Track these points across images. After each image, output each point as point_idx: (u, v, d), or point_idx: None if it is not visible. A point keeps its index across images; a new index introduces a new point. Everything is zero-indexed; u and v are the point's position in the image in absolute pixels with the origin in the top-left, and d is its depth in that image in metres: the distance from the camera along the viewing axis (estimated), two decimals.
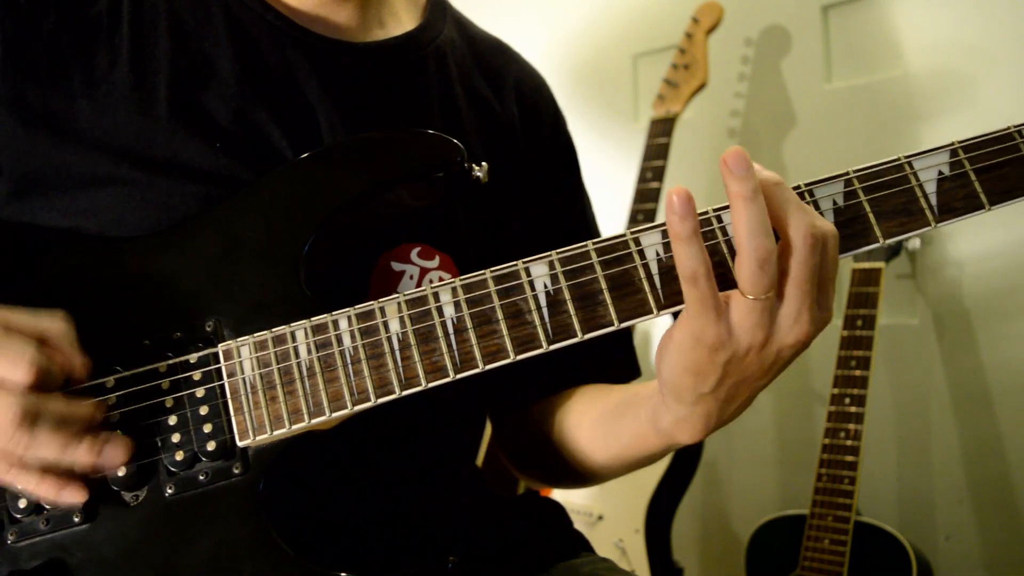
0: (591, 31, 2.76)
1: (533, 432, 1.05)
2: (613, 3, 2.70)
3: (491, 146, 1.00)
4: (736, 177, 0.65)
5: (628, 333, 1.11)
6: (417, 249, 0.90)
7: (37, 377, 0.67)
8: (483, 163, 0.84)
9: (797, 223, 0.67)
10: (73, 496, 0.70)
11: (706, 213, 0.72)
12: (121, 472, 0.72)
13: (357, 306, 0.74)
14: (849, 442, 1.85)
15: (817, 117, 2.30)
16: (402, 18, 1.01)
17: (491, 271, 0.73)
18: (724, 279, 0.71)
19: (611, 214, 2.50)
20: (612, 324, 0.72)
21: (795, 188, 0.73)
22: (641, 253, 0.72)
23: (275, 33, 0.89)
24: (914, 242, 2.02)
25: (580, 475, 1.01)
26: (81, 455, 0.69)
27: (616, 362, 1.08)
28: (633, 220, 2.18)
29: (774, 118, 2.37)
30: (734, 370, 0.71)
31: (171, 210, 0.81)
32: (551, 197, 1.08)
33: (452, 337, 0.72)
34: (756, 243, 0.65)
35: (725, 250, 0.72)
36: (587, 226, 1.13)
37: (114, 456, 0.70)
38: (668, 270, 0.72)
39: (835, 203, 0.73)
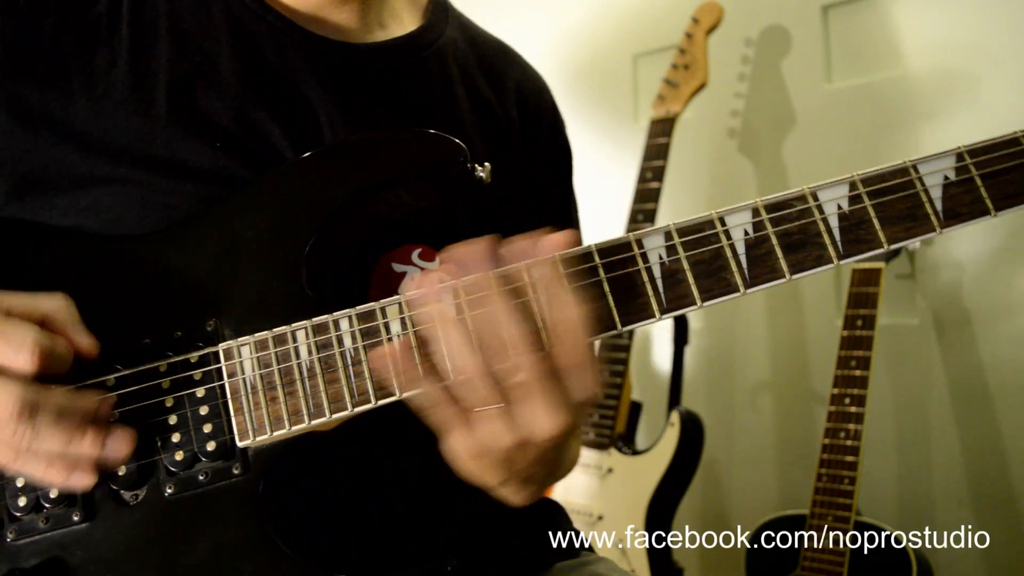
0: (591, 31, 2.76)
1: None
2: (613, 3, 2.70)
3: (492, 147, 1.00)
4: (433, 300, 0.68)
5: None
6: (418, 250, 0.90)
7: (42, 361, 0.67)
8: (486, 163, 0.84)
9: (505, 327, 0.67)
10: (81, 480, 0.70)
11: (709, 216, 0.72)
12: (121, 471, 0.72)
13: (358, 307, 0.74)
14: (849, 442, 1.85)
15: (817, 117, 2.30)
16: (404, 19, 1.01)
17: (493, 272, 0.73)
18: (729, 285, 0.71)
19: (611, 214, 2.49)
20: (615, 327, 0.71)
21: (798, 192, 0.73)
22: (644, 256, 0.72)
23: (276, 34, 0.89)
24: (914, 242, 2.02)
25: None
26: (85, 447, 0.68)
27: None
28: (633, 220, 2.18)
29: (774, 118, 2.37)
30: (512, 465, 0.72)
31: (171, 209, 0.81)
32: (545, 200, 1.08)
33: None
34: (460, 364, 0.67)
35: (729, 254, 0.72)
36: (572, 229, 1.13)
37: (118, 448, 0.70)
38: (672, 273, 0.71)
39: (839, 207, 0.72)
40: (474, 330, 0.67)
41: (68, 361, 0.70)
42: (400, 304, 0.73)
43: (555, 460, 0.76)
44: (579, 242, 0.74)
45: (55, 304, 0.71)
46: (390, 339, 0.71)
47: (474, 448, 0.69)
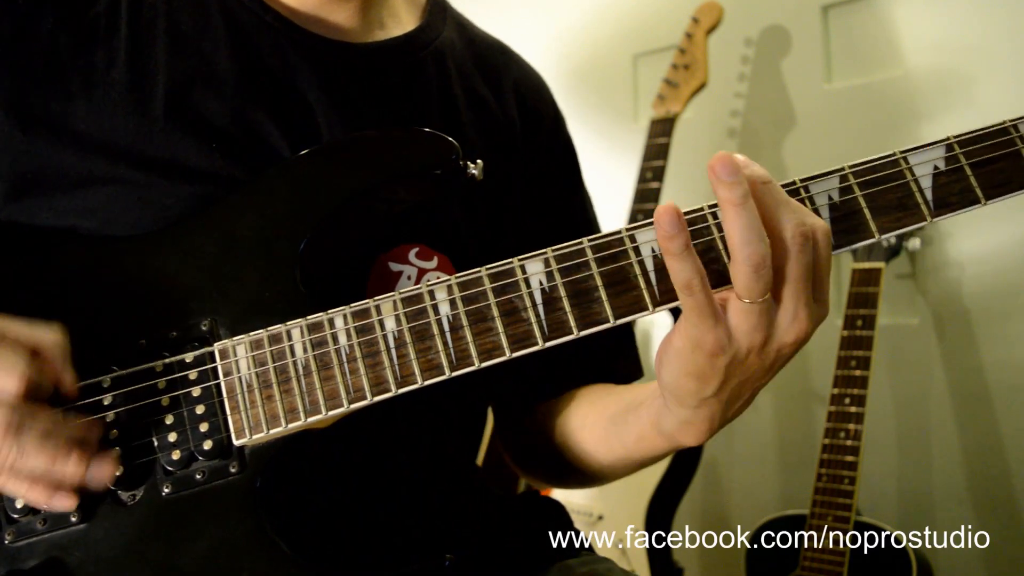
0: (591, 31, 2.76)
1: (537, 432, 1.05)
2: (613, 3, 2.70)
3: (490, 146, 1.00)
4: (725, 183, 0.66)
5: (630, 333, 1.11)
6: (415, 250, 0.90)
7: (28, 388, 0.67)
8: (478, 160, 0.84)
9: (787, 223, 0.67)
10: (63, 503, 0.70)
11: (701, 210, 0.72)
12: (118, 471, 0.72)
13: (353, 304, 0.74)
14: (849, 442, 1.85)
15: (817, 117, 2.30)
16: (402, 18, 1.01)
17: (486, 269, 0.73)
18: (721, 276, 0.71)
19: (611, 214, 2.50)
20: (608, 321, 0.72)
21: (790, 184, 0.73)
22: (637, 250, 0.72)
23: (274, 34, 0.89)
24: (914, 242, 2.02)
25: (584, 476, 1.01)
26: (68, 470, 0.68)
27: (619, 363, 1.08)
28: (633, 220, 2.17)
29: (774, 118, 2.37)
30: (736, 372, 0.72)
31: (168, 210, 0.81)
32: (550, 198, 1.08)
33: (448, 335, 0.72)
34: (750, 249, 0.65)
35: (721, 246, 0.72)
36: (588, 225, 1.13)
37: (100, 475, 0.70)
38: (663, 267, 0.71)
39: (830, 198, 0.73)
40: (767, 221, 0.67)
41: (48, 392, 0.70)
42: (394, 301, 0.73)
43: (760, 388, 0.76)
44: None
45: (49, 337, 0.71)
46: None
47: (715, 343, 0.69)
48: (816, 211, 0.73)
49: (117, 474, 0.71)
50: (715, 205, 0.72)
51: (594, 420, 0.96)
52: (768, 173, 0.69)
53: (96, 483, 0.70)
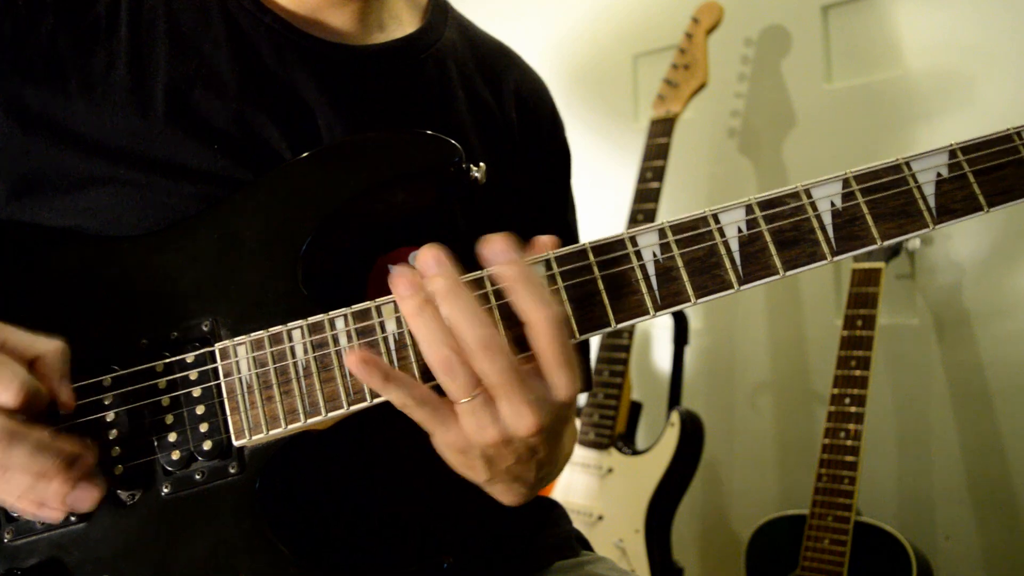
0: (591, 31, 2.76)
1: None
2: (613, 3, 2.70)
3: (490, 149, 1.00)
4: (402, 298, 0.68)
5: (585, 344, 1.11)
6: (415, 252, 0.90)
7: (25, 401, 0.66)
8: (481, 164, 0.84)
9: (467, 332, 0.67)
10: (51, 514, 0.70)
11: (703, 214, 0.72)
12: (118, 470, 0.72)
13: (353, 306, 0.74)
14: (849, 442, 1.85)
15: (817, 117, 2.30)
16: (403, 20, 1.01)
17: (487, 271, 0.73)
18: (722, 280, 0.71)
19: (611, 214, 2.50)
20: (609, 325, 0.72)
21: (792, 190, 0.73)
22: (638, 254, 0.72)
23: (273, 36, 0.89)
24: (914, 242, 2.02)
25: None
26: (52, 490, 0.68)
27: None
28: (633, 220, 2.18)
29: (774, 118, 2.37)
30: (497, 461, 0.72)
31: (169, 210, 0.81)
32: (541, 200, 1.08)
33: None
34: (432, 353, 0.67)
35: (723, 251, 0.72)
36: (568, 231, 1.13)
37: (80, 502, 0.69)
38: (665, 271, 0.72)
39: (832, 204, 0.73)
40: (450, 326, 0.67)
41: (43, 406, 0.69)
42: (396, 303, 0.73)
43: (544, 460, 0.75)
44: (570, 243, 0.74)
45: (50, 348, 0.70)
46: (351, 347, 0.72)
47: (456, 443, 0.70)
48: (818, 216, 0.73)
49: (97, 503, 0.71)
50: (717, 209, 0.72)
51: None
52: (456, 280, 0.69)
53: (78, 507, 0.70)
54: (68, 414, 0.72)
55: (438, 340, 0.67)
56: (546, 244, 0.73)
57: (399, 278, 0.68)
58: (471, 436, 0.69)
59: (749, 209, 0.73)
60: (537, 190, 1.07)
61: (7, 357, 0.67)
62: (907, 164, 0.73)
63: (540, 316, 0.67)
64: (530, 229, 1.02)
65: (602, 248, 0.73)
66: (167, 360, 0.76)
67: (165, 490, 0.73)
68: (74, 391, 0.72)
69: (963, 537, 2.08)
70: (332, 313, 0.74)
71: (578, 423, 2.22)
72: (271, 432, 0.73)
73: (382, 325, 0.73)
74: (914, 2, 2.13)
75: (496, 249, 0.69)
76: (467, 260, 0.88)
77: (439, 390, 0.69)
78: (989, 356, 2.05)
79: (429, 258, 0.69)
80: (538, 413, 0.67)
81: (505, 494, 0.79)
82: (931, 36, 2.11)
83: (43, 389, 0.69)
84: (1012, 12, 1.98)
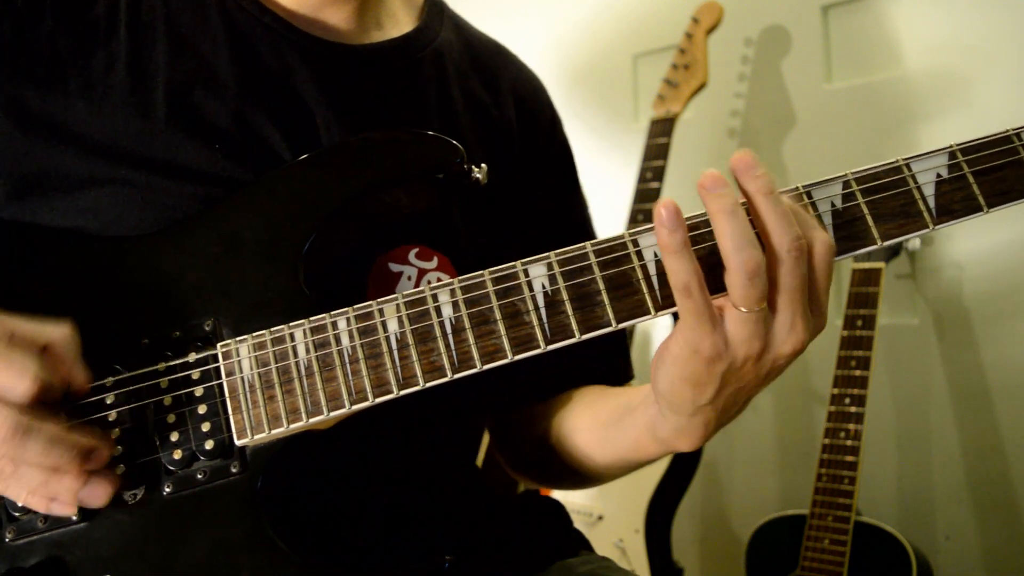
0: (591, 31, 2.76)
1: (530, 433, 1.05)
2: (613, 3, 2.70)
3: (488, 148, 1.00)
4: (713, 195, 0.67)
5: (624, 336, 1.11)
6: (415, 250, 0.90)
7: (39, 392, 0.66)
8: (482, 164, 0.84)
9: (783, 235, 0.67)
10: (61, 510, 0.70)
11: (703, 215, 0.72)
12: (119, 470, 0.73)
13: (356, 306, 0.74)
14: (849, 442, 1.85)
15: (817, 117, 2.30)
16: (400, 19, 1.01)
17: (489, 272, 0.73)
18: (723, 280, 0.71)
19: (611, 214, 2.50)
20: (610, 325, 0.72)
21: (792, 190, 0.73)
22: (639, 254, 0.72)
23: (272, 35, 0.89)
24: (914, 242, 2.03)
25: (579, 477, 1.01)
26: (64, 485, 0.68)
27: (613, 365, 1.08)
28: (633, 220, 2.18)
29: (774, 118, 2.37)
30: (732, 380, 0.72)
31: (171, 210, 0.81)
32: (547, 199, 1.08)
33: (450, 337, 0.72)
34: (742, 256, 0.66)
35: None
36: (583, 228, 1.13)
37: (94, 496, 0.70)
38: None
39: (833, 205, 0.73)
40: (765, 229, 0.68)
41: (60, 392, 0.70)
42: (398, 303, 0.73)
43: (754, 395, 0.76)
44: (582, 240, 0.75)
45: (59, 334, 0.71)
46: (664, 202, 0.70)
47: (712, 350, 0.69)
48: (819, 217, 0.73)
49: (111, 496, 0.71)
50: None
51: (589, 423, 0.96)
52: (773, 182, 0.68)
53: (90, 502, 0.70)
54: (72, 411, 0.72)
55: (749, 243, 0.66)
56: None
57: (711, 178, 0.67)
58: (737, 345, 0.68)
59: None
60: (538, 189, 1.07)
61: (18, 348, 0.67)
62: (907, 165, 0.74)
63: (823, 237, 0.69)
64: (534, 227, 1.02)
65: (603, 248, 0.73)
66: (169, 360, 0.76)
67: (167, 489, 0.73)
68: (88, 373, 0.72)
69: (963, 537, 2.08)
70: (334, 313, 0.74)
71: None
72: (273, 431, 0.73)
73: (384, 325, 0.73)
74: (914, 2, 2.13)
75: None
76: (468, 261, 0.88)
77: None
78: (989, 356, 2.05)
79: (747, 159, 0.68)
80: (807, 334, 0.69)
81: (696, 429, 0.77)
82: (931, 36, 2.11)
83: (55, 380, 0.69)
84: (1012, 12, 1.98)
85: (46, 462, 0.67)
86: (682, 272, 0.67)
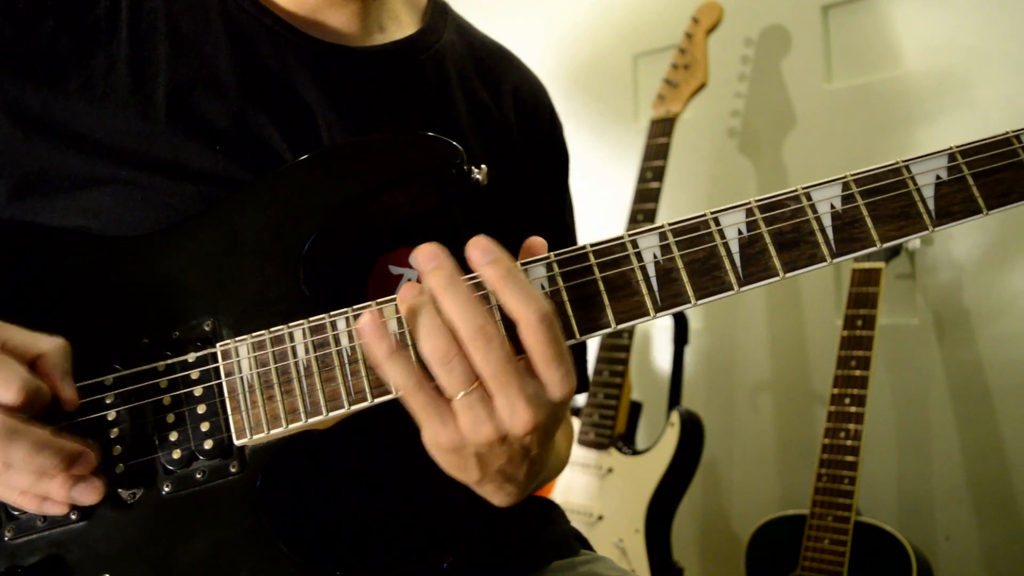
0: (591, 31, 2.76)
1: None
2: (613, 3, 2.70)
3: (489, 150, 1.00)
4: (402, 299, 0.70)
5: (583, 346, 1.11)
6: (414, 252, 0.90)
7: (26, 400, 0.67)
8: (483, 166, 0.84)
9: (461, 324, 0.67)
10: (53, 510, 0.71)
11: (703, 216, 0.72)
12: (119, 469, 0.73)
13: (355, 307, 0.74)
14: (849, 442, 1.85)
15: (817, 117, 2.30)
16: (403, 21, 1.01)
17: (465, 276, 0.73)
18: (722, 282, 0.71)
19: (611, 214, 2.50)
20: (609, 326, 0.72)
21: (792, 192, 0.73)
22: (639, 255, 0.73)
23: (274, 37, 0.89)
24: (914, 242, 2.03)
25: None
26: (52, 489, 0.69)
27: None
28: (633, 220, 2.18)
29: (774, 118, 2.37)
30: (489, 461, 0.71)
31: (172, 210, 0.81)
32: (540, 202, 1.08)
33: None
34: (429, 345, 0.66)
35: (723, 253, 0.72)
36: (566, 233, 1.13)
37: (83, 497, 0.70)
38: (666, 272, 0.72)
39: (832, 207, 0.73)
40: (447, 318, 0.67)
41: (46, 404, 0.70)
42: (397, 304, 0.73)
43: (536, 459, 0.75)
44: (568, 244, 0.74)
45: (52, 346, 0.71)
46: (367, 309, 0.71)
47: (450, 441, 0.69)
48: (818, 219, 0.73)
49: (99, 499, 0.71)
50: (717, 211, 0.72)
51: None
52: (452, 271, 0.68)
53: (81, 501, 0.71)
54: (71, 412, 0.72)
55: (434, 332, 0.66)
56: (539, 246, 0.73)
57: (405, 287, 0.69)
58: (466, 433, 0.68)
59: (749, 211, 0.73)
60: (536, 191, 1.07)
61: (8, 356, 0.68)
62: (907, 167, 0.74)
63: (527, 312, 0.66)
64: (528, 230, 1.02)
65: (603, 249, 0.73)
66: (169, 359, 0.76)
67: (166, 489, 0.74)
68: (77, 388, 0.72)
69: (963, 537, 2.08)
70: (334, 313, 0.74)
71: (578, 423, 2.22)
72: (272, 431, 0.73)
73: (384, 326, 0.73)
74: (914, 2, 2.14)
75: (479, 250, 0.69)
76: (466, 260, 0.88)
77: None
78: (989, 356, 2.05)
79: (425, 254, 0.69)
80: (534, 409, 0.67)
81: (495, 494, 0.78)
82: (931, 36, 2.11)
83: (44, 388, 0.69)
84: (1012, 13, 1.98)
85: (32, 465, 0.67)
86: (397, 377, 0.67)
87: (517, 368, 0.67)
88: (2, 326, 0.70)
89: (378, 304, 0.74)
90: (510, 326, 0.68)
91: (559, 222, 1.12)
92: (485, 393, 0.67)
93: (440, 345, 0.66)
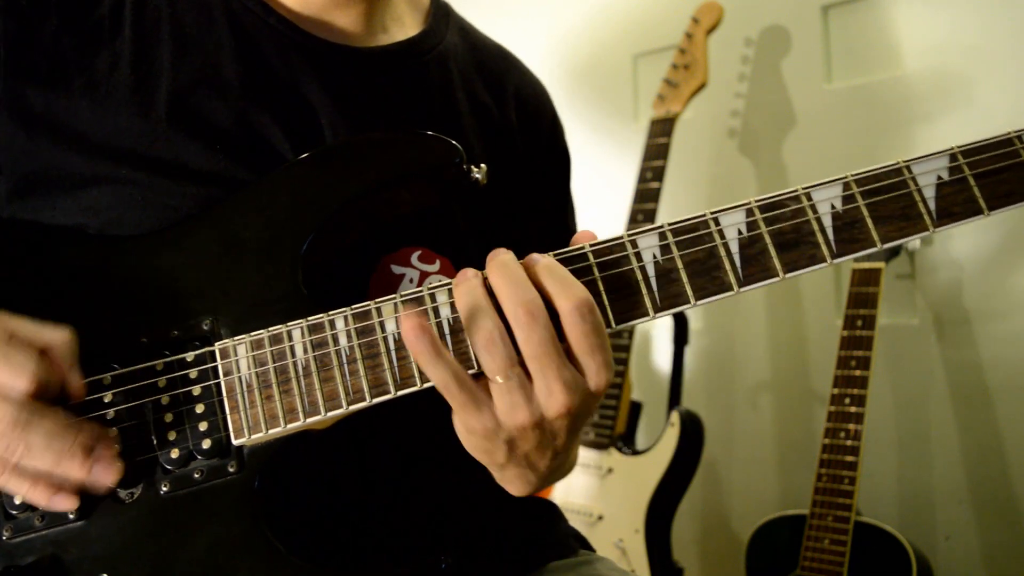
0: (591, 31, 2.76)
1: None
2: (613, 3, 2.70)
3: (491, 151, 1.00)
4: (456, 282, 0.71)
5: None
6: (417, 253, 0.90)
7: (37, 389, 0.67)
8: (482, 165, 0.84)
9: (506, 299, 0.68)
10: (63, 504, 0.71)
11: (703, 216, 0.72)
12: (120, 477, 0.73)
13: (354, 306, 0.74)
14: (849, 442, 1.85)
15: (817, 117, 2.30)
16: (406, 23, 1.01)
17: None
18: (721, 282, 0.71)
19: (611, 214, 2.50)
20: (609, 326, 0.72)
21: (792, 192, 0.73)
22: (639, 255, 0.72)
23: (278, 37, 0.89)
24: (914, 242, 2.02)
25: None
26: (72, 470, 0.69)
27: None
28: (633, 220, 2.18)
29: (774, 118, 2.37)
30: (519, 445, 0.72)
31: (172, 210, 0.81)
32: (542, 203, 1.08)
33: (448, 338, 0.72)
34: (474, 327, 0.68)
35: (723, 253, 0.72)
36: (567, 234, 1.13)
37: (103, 477, 0.70)
38: (665, 273, 0.72)
39: (833, 207, 0.73)
40: (497, 296, 0.68)
41: (55, 393, 0.70)
42: (395, 303, 0.73)
43: (561, 451, 0.75)
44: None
45: (59, 337, 0.71)
46: (405, 314, 0.70)
47: (483, 427, 0.69)
48: (818, 219, 0.73)
49: (119, 478, 0.72)
50: (716, 211, 0.72)
51: None
52: (509, 256, 0.71)
53: (98, 487, 0.71)
54: (74, 406, 0.72)
55: (482, 313, 0.67)
56: (585, 239, 0.75)
57: (462, 271, 0.71)
58: (502, 418, 0.69)
59: (749, 211, 0.73)
60: (537, 192, 1.07)
61: (17, 347, 0.68)
62: (908, 167, 0.73)
63: (567, 300, 0.67)
64: (530, 231, 1.03)
65: (602, 249, 0.73)
66: (167, 359, 0.76)
67: (164, 488, 0.73)
68: (84, 379, 0.73)
69: (963, 537, 2.08)
70: (332, 313, 0.74)
71: None
72: (270, 431, 0.73)
73: (382, 325, 0.73)
74: (914, 2, 2.13)
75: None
76: (468, 261, 0.88)
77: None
78: (989, 356, 2.05)
79: (492, 253, 0.71)
80: (570, 395, 0.68)
81: (514, 481, 0.78)
82: (931, 37, 2.11)
83: (53, 377, 0.70)
84: (1012, 13, 1.98)
85: (50, 452, 0.68)
86: (438, 375, 0.67)
87: (558, 350, 0.67)
88: (9, 318, 0.70)
89: (376, 303, 0.73)
90: (553, 317, 0.68)
91: (560, 223, 1.12)
92: (525, 378, 0.68)
93: (487, 325, 0.67)
